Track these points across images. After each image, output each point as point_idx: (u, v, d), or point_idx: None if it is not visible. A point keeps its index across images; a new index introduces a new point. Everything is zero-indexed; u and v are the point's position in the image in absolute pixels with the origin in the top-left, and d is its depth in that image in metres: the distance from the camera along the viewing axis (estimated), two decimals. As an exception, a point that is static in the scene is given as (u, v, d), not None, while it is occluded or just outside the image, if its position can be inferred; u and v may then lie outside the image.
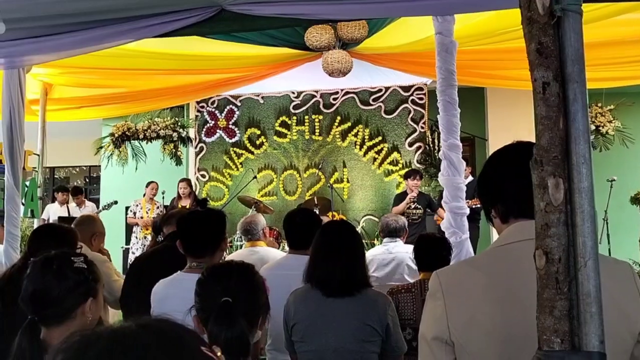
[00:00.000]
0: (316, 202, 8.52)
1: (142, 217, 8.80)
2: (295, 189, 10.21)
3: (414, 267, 3.92)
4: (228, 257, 4.62)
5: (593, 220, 1.04)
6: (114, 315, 3.74)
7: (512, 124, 8.17)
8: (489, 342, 1.31)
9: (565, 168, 1.05)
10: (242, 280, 1.77)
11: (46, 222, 8.40)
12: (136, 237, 8.84)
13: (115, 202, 9.05)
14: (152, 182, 9.02)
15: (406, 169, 9.13)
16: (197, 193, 10.11)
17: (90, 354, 0.65)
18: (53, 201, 9.91)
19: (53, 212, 9.19)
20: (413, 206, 7.46)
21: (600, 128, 8.29)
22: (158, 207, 8.96)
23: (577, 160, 1.04)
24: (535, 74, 1.06)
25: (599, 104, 8.43)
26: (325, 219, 5.07)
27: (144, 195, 9.07)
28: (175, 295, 1.80)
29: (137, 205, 8.97)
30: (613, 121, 8.37)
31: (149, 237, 8.69)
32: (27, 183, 5.84)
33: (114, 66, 6.33)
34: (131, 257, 8.68)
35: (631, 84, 7.29)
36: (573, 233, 1.04)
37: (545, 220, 1.05)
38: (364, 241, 9.03)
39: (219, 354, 0.78)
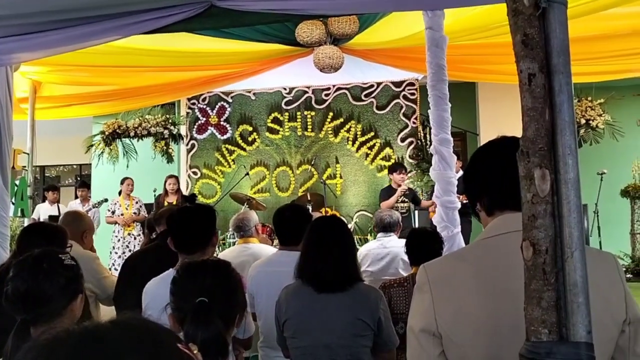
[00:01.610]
0: (309, 198, 8.51)
1: (122, 215, 8.73)
2: (288, 186, 10.21)
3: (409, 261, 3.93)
4: (220, 254, 4.62)
5: (579, 211, 1.04)
6: (108, 315, 3.71)
7: (503, 118, 8.18)
8: (476, 333, 1.32)
9: (551, 159, 1.05)
10: (218, 278, 1.76)
11: (38, 221, 8.35)
12: (116, 237, 8.76)
13: (106, 200, 9.00)
14: (127, 178, 8.91)
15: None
16: (189, 190, 10.09)
17: (61, 352, 0.63)
18: (43, 200, 9.82)
19: (43, 211, 9.12)
20: (400, 200, 7.41)
21: (591, 122, 8.33)
22: (137, 203, 8.87)
23: (563, 151, 1.04)
24: (520, 65, 1.06)
25: (589, 98, 8.47)
26: (318, 215, 5.07)
27: (119, 193, 8.99)
28: (166, 294, 1.78)
29: (115, 204, 8.87)
30: (603, 115, 8.41)
31: (133, 234, 8.64)
32: (17, 182, 5.80)
33: (103, 63, 6.31)
34: (113, 257, 8.60)
35: (621, 78, 7.32)
36: (560, 224, 1.04)
37: (532, 211, 1.05)
38: (357, 237, 9.03)
39: (195, 351, 0.77)
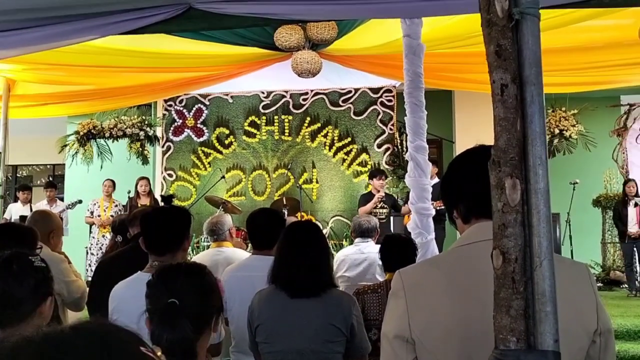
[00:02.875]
0: (285, 203, 8.51)
1: (99, 216, 8.65)
2: (264, 190, 10.19)
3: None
4: (194, 258, 4.58)
5: (549, 220, 1.05)
6: (74, 318, 3.63)
7: (479, 126, 8.23)
8: (448, 340, 1.32)
9: (522, 169, 1.06)
10: (190, 281, 1.74)
11: (8, 222, 8.21)
12: (93, 237, 8.69)
13: (80, 202, 8.88)
14: (107, 179, 8.88)
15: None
16: (163, 192, 10.00)
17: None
18: (15, 200, 9.65)
19: (15, 211, 8.94)
20: (379, 206, 7.45)
21: (564, 132, 8.45)
22: (116, 205, 8.81)
23: (533, 161, 1.05)
24: (493, 75, 1.07)
25: (563, 108, 8.59)
26: (293, 220, 5.06)
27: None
28: (134, 296, 1.75)
29: (94, 204, 8.81)
30: (576, 125, 8.53)
31: (108, 236, 8.55)
32: (-12, 181, 5.70)
33: (80, 63, 6.24)
34: (89, 258, 8.54)
35: (594, 89, 7.45)
36: (529, 233, 1.06)
37: (503, 220, 1.07)
38: (332, 242, 9.03)
39: (159, 353, 0.76)
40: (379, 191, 7.57)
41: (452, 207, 1.55)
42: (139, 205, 8.28)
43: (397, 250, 3.56)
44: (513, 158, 1.06)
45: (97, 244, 8.58)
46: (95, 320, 0.72)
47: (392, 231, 7.57)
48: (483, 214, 1.42)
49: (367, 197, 7.73)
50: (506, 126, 1.06)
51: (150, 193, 8.74)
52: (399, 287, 1.43)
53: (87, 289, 3.47)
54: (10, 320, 1.84)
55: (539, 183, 1.05)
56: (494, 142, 1.10)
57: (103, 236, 8.58)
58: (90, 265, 8.41)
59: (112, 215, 8.61)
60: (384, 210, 7.47)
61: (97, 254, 8.42)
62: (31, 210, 8.83)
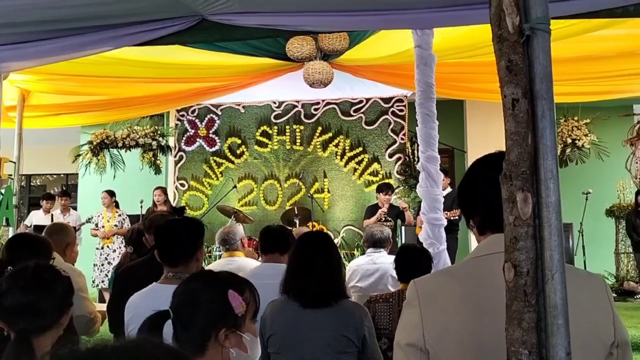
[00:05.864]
0: (296, 212, 8.52)
1: (103, 227, 8.67)
2: (275, 199, 10.20)
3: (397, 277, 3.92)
4: (207, 268, 4.59)
5: (560, 234, 1.06)
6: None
7: (490, 136, 8.23)
8: (462, 351, 1.33)
9: (533, 183, 1.07)
10: (185, 288, 1.72)
11: (29, 227, 8.30)
12: (97, 249, 8.68)
13: (89, 221, 8.85)
14: (103, 191, 8.83)
15: (386, 180, 9.22)
16: (176, 202, 10.04)
17: None
18: (39, 208, 9.69)
19: (37, 219, 9.01)
20: (383, 219, 7.52)
21: (577, 141, 8.40)
22: (120, 216, 8.76)
23: (545, 175, 1.06)
24: (505, 90, 1.08)
25: (575, 118, 8.55)
26: (305, 230, 5.07)
27: None
28: (149, 307, 1.73)
29: (98, 216, 8.80)
30: (589, 135, 8.49)
31: (111, 246, 8.55)
32: (2, 191, 5.75)
33: (93, 73, 6.31)
34: (95, 269, 8.55)
35: (606, 99, 7.42)
36: (541, 246, 1.07)
37: (514, 233, 1.08)
38: (343, 251, 9.03)
39: None
40: (384, 205, 7.64)
41: (468, 217, 1.56)
42: None
43: (413, 261, 3.55)
44: (524, 172, 1.07)
45: (101, 255, 8.58)
46: (139, 339, 0.74)
47: (402, 242, 7.60)
48: (498, 226, 1.42)
49: (373, 209, 7.82)
50: (517, 140, 1.07)
51: (166, 202, 8.73)
52: (414, 296, 1.44)
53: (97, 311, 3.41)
54: (37, 330, 1.86)
55: (551, 197, 1.06)
56: (505, 156, 1.11)
57: (108, 246, 8.58)
58: (96, 277, 8.45)
59: (115, 225, 8.61)
60: (389, 223, 7.50)
61: (103, 265, 8.44)
62: (51, 218, 8.88)
